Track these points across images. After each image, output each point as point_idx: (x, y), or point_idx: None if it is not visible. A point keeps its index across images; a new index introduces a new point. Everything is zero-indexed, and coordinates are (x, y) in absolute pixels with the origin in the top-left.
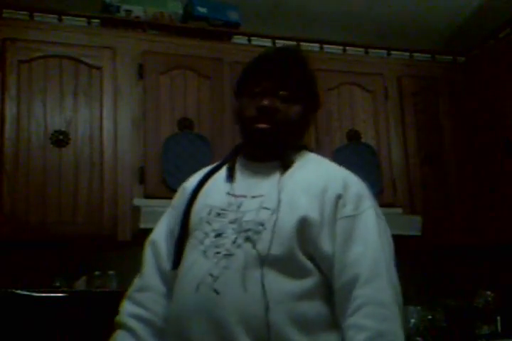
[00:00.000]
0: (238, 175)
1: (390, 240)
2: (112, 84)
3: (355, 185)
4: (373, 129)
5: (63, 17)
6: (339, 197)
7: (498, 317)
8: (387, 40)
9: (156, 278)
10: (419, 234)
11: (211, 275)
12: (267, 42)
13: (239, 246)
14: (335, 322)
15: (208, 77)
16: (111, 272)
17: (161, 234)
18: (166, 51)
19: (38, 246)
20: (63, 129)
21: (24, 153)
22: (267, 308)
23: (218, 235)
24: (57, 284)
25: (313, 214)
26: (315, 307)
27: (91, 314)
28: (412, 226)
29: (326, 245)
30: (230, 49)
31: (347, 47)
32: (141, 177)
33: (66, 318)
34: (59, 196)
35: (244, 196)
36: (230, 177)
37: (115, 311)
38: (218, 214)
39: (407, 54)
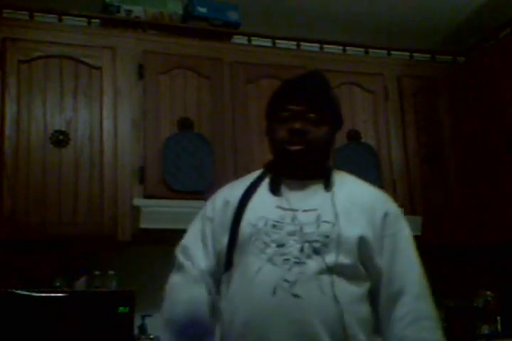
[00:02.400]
0: (283, 189)
1: None
2: (112, 84)
3: (394, 205)
4: (373, 129)
5: (63, 17)
6: (386, 214)
7: (498, 317)
8: (387, 40)
9: (198, 275)
10: (419, 234)
11: (286, 280)
12: (267, 42)
13: (309, 257)
14: (378, 326)
15: (208, 77)
16: (111, 272)
17: (193, 241)
18: (166, 51)
19: (38, 246)
20: (63, 129)
21: (24, 153)
22: (341, 310)
23: (280, 245)
24: (57, 284)
25: (368, 232)
26: (370, 311)
27: (91, 314)
28: (412, 226)
29: (378, 259)
30: (230, 49)
31: (347, 47)
32: (141, 177)
33: (66, 318)
34: (59, 196)
35: (296, 210)
36: (277, 191)
37: (115, 311)
38: (274, 226)
39: (407, 54)
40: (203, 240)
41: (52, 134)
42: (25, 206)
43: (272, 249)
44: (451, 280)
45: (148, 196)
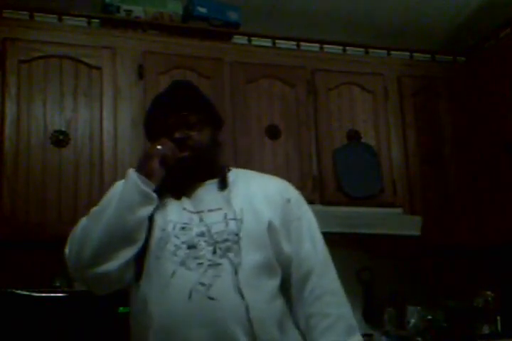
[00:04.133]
0: (185, 192)
1: None
2: (112, 84)
3: (293, 190)
4: (373, 129)
5: (63, 17)
6: (288, 200)
7: (498, 317)
8: (387, 40)
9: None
10: (419, 234)
11: (202, 283)
12: (267, 42)
13: (222, 256)
14: (294, 319)
15: (208, 77)
16: None
17: None
18: (166, 51)
19: (38, 246)
20: (63, 129)
21: (24, 153)
22: (257, 310)
23: (191, 247)
24: (57, 284)
25: (275, 219)
26: (283, 305)
27: (91, 314)
28: (412, 226)
29: (285, 245)
30: (230, 49)
31: (347, 47)
32: None
33: (66, 318)
34: (59, 196)
35: (202, 211)
36: (179, 195)
37: (115, 311)
38: (182, 228)
39: (407, 54)
40: None
41: (52, 134)
42: (25, 206)
43: (183, 251)
44: (451, 280)
45: None
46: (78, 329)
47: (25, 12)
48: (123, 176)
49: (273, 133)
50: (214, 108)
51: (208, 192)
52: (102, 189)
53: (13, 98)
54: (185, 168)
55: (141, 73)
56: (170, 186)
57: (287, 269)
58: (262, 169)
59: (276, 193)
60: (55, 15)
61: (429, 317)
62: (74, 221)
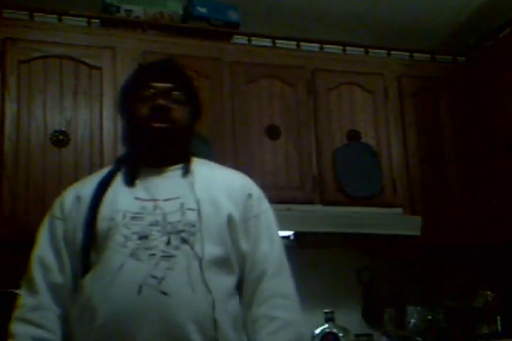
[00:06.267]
0: (140, 180)
1: None
2: (112, 84)
3: (255, 186)
4: (373, 129)
5: (63, 17)
6: (250, 196)
7: (498, 317)
8: (387, 40)
9: (49, 296)
10: (419, 234)
11: (154, 277)
12: (267, 42)
13: (177, 248)
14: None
15: (208, 77)
16: None
17: (46, 248)
18: (166, 51)
19: None
20: (63, 129)
21: (24, 153)
22: (213, 307)
23: (143, 237)
24: None
25: (234, 212)
26: (238, 305)
27: None
28: (412, 226)
29: (243, 243)
30: (230, 49)
31: (347, 47)
32: None
33: None
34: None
35: (156, 200)
36: (132, 182)
37: None
38: (133, 218)
39: (407, 54)
40: (55, 246)
41: (52, 134)
42: (25, 206)
43: (133, 242)
44: (451, 280)
45: None
46: None
47: (25, 12)
48: None
49: (273, 133)
50: (198, 96)
51: (166, 179)
52: None
53: (13, 98)
54: (160, 141)
55: None
56: (127, 170)
57: (242, 268)
58: (262, 169)
59: (238, 187)
60: (55, 15)
61: (429, 317)
62: None
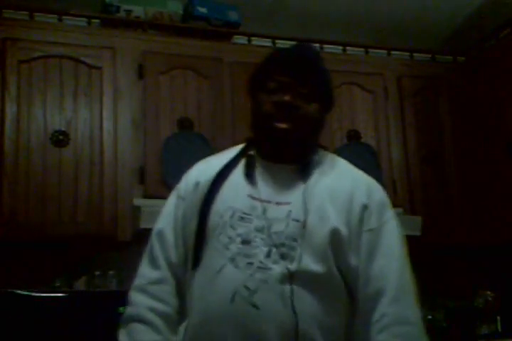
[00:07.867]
0: (258, 176)
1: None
2: (112, 84)
3: (378, 193)
4: (373, 129)
5: (63, 17)
6: (365, 207)
7: (498, 317)
8: (387, 40)
9: (169, 271)
10: (419, 234)
11: (247, 287)
12: (267, 42)
13: (275, 262)
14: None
15: (208, 77)
16: (111, 272)
17: (168, 224)
18: (166, 51)
19: (38, 246)
20: (63, 129)
21: (24, 153)
22: (297, 322)
23: (245, 242)
24: (57, 284)
25: (342, 226)
26: (342, 321)
27: (91, 314)
28: (412, 226)
29: (352, 258)
30: (230, 49)
31: (347, 47)
32: (141, 177)
33: (66, 318)
34: (59, 196)
35: (269, 201)
36: (252, 178)
37: (115, 311)
38: (241, 218)
39: (407, 54)
40: (175, 225)
41: (52, 134)
42: (25, 206)
43: (235, 246)
44: (451, 280)
45: (148, 196)
46: (78, 329)
47: (25, 12)
48: (123, 176)
49: None
50: (331, 85)
51: (283, 179)
52: (102, 189)
53: (13, 98)
54: (282, 142)
55: (141, 73)
56: (248, 161)
57: (352, 285)
58: None
59: (354, 198)
60: (55, 16)
61: (429, 317)
62: (74, 221)
